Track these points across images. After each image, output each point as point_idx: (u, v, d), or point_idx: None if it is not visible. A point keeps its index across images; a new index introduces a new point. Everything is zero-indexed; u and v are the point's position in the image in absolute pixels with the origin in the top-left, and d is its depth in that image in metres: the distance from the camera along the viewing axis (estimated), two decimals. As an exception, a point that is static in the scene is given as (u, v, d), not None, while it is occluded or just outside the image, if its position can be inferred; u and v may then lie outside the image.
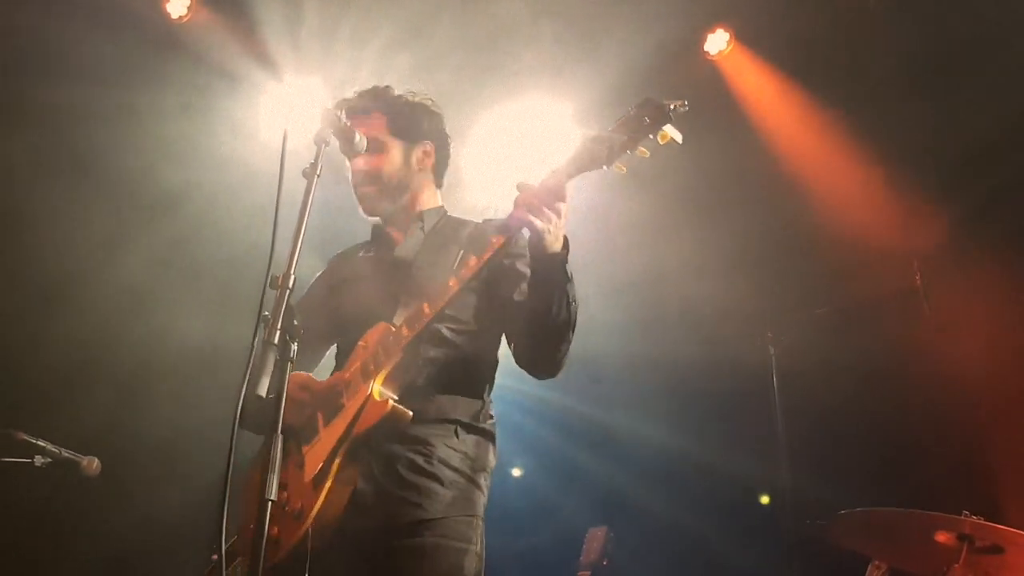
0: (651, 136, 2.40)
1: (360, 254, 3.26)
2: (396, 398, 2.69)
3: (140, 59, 5.67)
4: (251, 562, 2.10)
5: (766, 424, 5.06)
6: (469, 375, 2.93)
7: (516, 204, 2.58)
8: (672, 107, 2.38)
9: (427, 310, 2.69)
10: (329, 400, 2.80)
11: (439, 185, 3.30)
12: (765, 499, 6.39)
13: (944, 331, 5.39)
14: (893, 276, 5.23)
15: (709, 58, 6.01)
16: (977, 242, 5.79)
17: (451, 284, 2.68)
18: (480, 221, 3.16)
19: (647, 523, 6.69)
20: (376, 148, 3.08)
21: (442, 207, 3.25)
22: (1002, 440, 5.99)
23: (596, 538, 5.01)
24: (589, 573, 4.87)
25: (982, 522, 3.36)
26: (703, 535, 6.58)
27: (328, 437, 2.73)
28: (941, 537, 3.48)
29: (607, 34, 5.66)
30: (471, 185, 5.84)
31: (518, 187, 2.59)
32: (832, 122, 5.92)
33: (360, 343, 2.86)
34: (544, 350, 2.80)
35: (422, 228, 3.12)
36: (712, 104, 5.96)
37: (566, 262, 2.67)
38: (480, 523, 2.80)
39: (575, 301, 2.73)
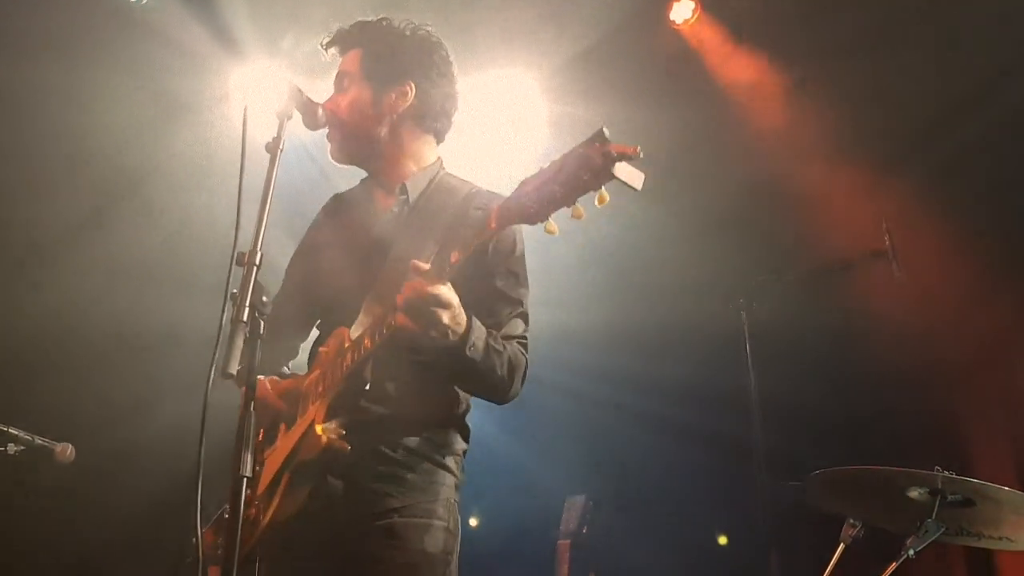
0: (591, 192, 2.03)
1: (349, 208, 3.08)
2: (339, 428, 2.57)
3: (101, 39, 5.57)
4: (227, 540, 2.08)
5: (740, 388, 5.09)
6: (435, 375, 2.73)
7: (397, 305, 2.39)
8: (619, 155, 1.96)
9: (367, 344, 2.55)
10: (291, 406, 2.73)
11: (435, 135, 3.02)
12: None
13: (914, 291, 5.44)
14: (862, 238, 5.26)
15: (675, 27, 6.00)
16: (945, 201, 5.84)
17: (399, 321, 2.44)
18: (472, 189, 2.92)
19: (625, 491, 6.75)
20: (343, 88, 2.96)
21: (434, 164, 3.00)
22: (970, 396, 6.09)
23: (575, 507, 5.04)
24: (569, 542, 4.90)
25: (954, 476, 3.40)
26: (678, 500, 6.65)
27: (282, 449, 2.68)
28: (914, 493, 3.52)
29: (572, 2, 5.62)
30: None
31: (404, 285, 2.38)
32: (797, 87, 5.94)
33: (322, 348, 2.75)
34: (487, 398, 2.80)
35: (406, 200, 2.91)
36: (678, 72, 5.95)
37: (464, 346, 2.49)
38: (452, 503, 2.75)
39: (502, 367, 2.62)
